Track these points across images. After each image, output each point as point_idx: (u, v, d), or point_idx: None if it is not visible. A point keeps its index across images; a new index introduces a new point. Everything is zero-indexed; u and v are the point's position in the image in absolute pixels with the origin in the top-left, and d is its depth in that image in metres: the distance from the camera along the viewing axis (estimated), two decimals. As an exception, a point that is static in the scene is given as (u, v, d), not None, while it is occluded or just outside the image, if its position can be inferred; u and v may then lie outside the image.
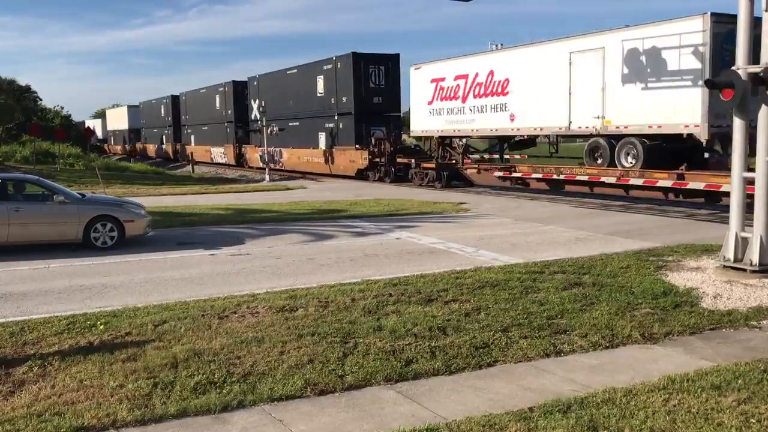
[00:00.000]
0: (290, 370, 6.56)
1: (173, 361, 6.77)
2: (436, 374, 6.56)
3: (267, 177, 36.29)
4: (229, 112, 48.84)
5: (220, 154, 51.02)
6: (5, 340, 7.53)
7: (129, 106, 77.60)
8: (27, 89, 61.42)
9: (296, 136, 39.75)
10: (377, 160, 32.16)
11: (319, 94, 37.32)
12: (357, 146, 33.56)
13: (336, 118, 35.99)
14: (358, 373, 6.47)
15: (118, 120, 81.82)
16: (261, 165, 39.92)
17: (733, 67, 10.40)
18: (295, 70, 40.08)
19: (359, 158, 33.35)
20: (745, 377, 6.21)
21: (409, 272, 11.04)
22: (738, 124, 10.36)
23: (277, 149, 40.98)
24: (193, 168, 50.56)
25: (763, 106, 10.00)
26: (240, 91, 47.43)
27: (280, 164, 41.65)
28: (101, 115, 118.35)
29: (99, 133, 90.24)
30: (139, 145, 73.53)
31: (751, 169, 10.20)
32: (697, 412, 5.47)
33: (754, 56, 10.25)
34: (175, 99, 61.52)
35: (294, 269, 11.70)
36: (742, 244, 10.38)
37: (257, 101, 41.93)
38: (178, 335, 7.63)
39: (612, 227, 16.22)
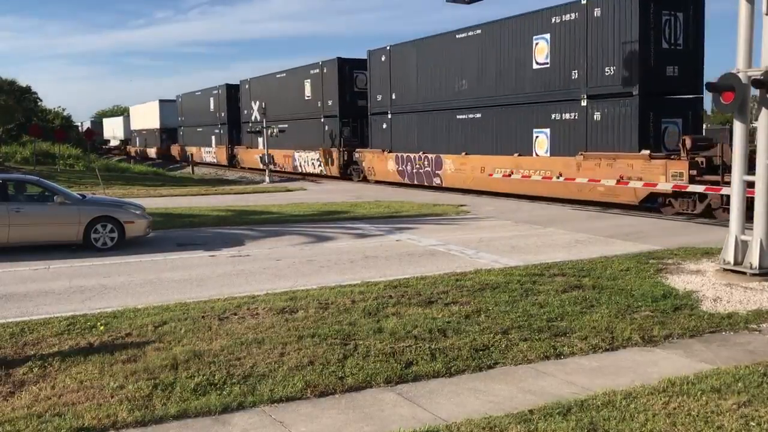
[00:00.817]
0: (290, 371, 6.56)
1: (173, 362, 6.77)
2: (436, 376, 6.56)
3: (267, 178, 36.28)
4: (330, 102, 34.59)
5: (311, 161, 37.05)
6: (5, 341, 7.53)
7: (162, 101, 63.64)
8: (27, 90, 61.29)
9: (478, 135, 25.42)
10: (713, 178, 17.23)
11: (537, 66, 22.70)
12: (649, 153, 19.05)
13: (584, 103, 21.10)
14: (359, 375, 6.48)
15: (147, 117, 67.97)
16: (400, 180, 29.64)
17: (733, 70, 10.42)
18: (478, 31, 25.28)
19: (655, 174, 18.62)
20: (745, 380, 6.21)
21: (409, 274, 11.04)
22: (738, 127, 10.38)
23: (430, 156, 27.76)
24: (193, 169, 50.60)
25: (763, 110, 10.02)
26: (347, 72, 33.92)
27: (437, 180, 27.59)
28: (105, 114, 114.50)
29: (120, 133, 79.67)
30: (176, 148, 60.13)
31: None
32: (697, 415, 5.48)
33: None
34: (232, 89, 47.49)
35: (294, 271, 11.71)
36: (742, 247, 10.40)
37: (390, 85, 29.90)
38: (179, 336, 7.64)
39: (611, 230, 16.23)
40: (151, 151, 67.09)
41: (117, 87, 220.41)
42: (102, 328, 7.94)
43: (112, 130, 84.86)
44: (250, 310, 8.69)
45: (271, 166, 38.28)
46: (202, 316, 8.42)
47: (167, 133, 62.39)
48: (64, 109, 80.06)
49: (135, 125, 73.53)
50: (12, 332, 7.82)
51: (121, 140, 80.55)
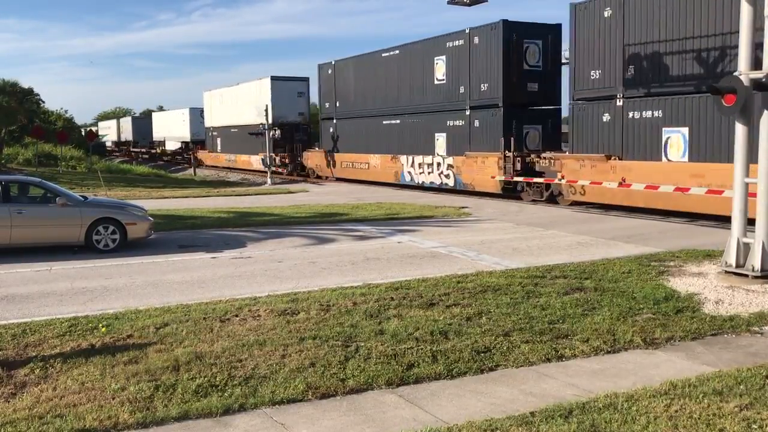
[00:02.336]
0: (292, 373, 6.56)
1: (175, 363, 6.77)
2: (437, 378, 6.56)
3: (269, 180, 36.25)
4: None
5: None
6: (7, 342, 7.54)
7: (276, 78, 40.20)
8: (30, 92, 61.19)
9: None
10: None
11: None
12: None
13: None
14: (360, 377, 6.48)
15: (242, 107, 43.63)
16: None
17: (735, 73, 10.42)
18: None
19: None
20: (747, 383, 6.21)
21: (410, 276, 11.04)
22: (740, 130, 10.37)
23: None
24: (194, 171, 50.61)
25: (765, 112, 10.02)
26: None
27: None
28: (107, 116, 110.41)
29: (186, 133, 57.04)
30: (317, 156, 36.98)
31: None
32: (699, 418, 5.47)
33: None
34: (515, 31, 24.29)
35: (295, 272, 11.71)
36: (744, 249, 10.39)
37: None
38: (180, 338, 7.64)
39: (613, 232, 16.22)
40: (255, 161, 42.29)
41: (119, 89, 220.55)
42: (103, 329, 7.95)
43: (168, 128, 62.83)
44: (251, 312, 8.70)
45: (273, 168, 38.21)
46: (204, 318, 8.42)
47: (290, 131, 40.17)
48: (66, 111, 78.80)
49: (214, 120, 49.84)
50: (14, 333, 7.83)
51: (184, 142, 58.46)
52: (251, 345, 7.34)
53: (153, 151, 67.40)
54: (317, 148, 38.57)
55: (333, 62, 35.31)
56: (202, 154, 53.00)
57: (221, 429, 5.52)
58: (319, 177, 37.08)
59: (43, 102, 64.90)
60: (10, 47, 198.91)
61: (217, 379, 6.41)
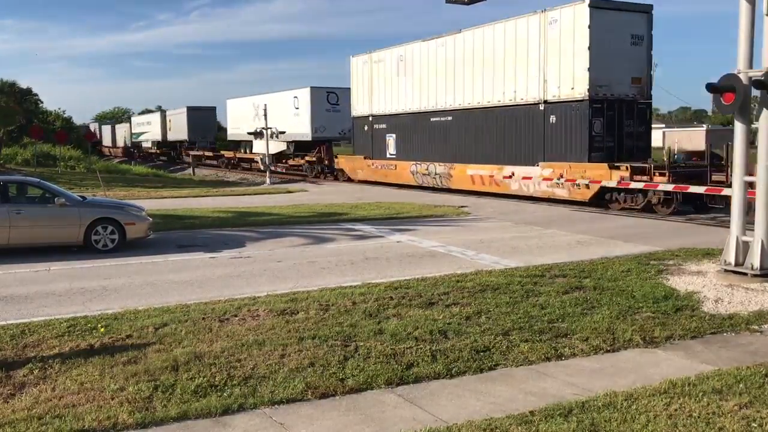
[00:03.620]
0: (291, 373, 6.55)
1: (174, 364, 6.76)
2: (437, 378, 6.56)
3: (268, 180, 36.22)
4: None
5: None
6: (6, 343, 7.52)
7: (595, 6, 19.65)
8: (28, 92, 61.02)
9: None
10: None
11: None
12: None
13: None
14: (359, 377, 6.47)
15: (460, 77, 25.07)
16: None
17: (734, 71, 10.42)
18: None
19: None
20: (746, 381, 6.20)
21: (409, 275, 11.03)
22: (739, 128, 10.37)
23: None
24: (193, 170, 50.58)
25: (764, 110, 10.01)
26: None
27: None
28: (105, 117, 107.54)
29: (304, 128, 37.59)
30: None
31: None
32: (699, 416, 5.47)
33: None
34: None
35: (295, 272, 11.70)
36: (743, 248, 10.39)
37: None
38: (179, 338, 7.63)
39: (613, 231, 16.22)
40: (530, 177, 22.60)
41: (118, 89, 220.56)
42: (102, 330, 7.94)
43: (250, 120, 41.75)
44: (250, 312, 8.69)
45: (272, 167, 38.14)
46: (203, 318, 8.41)
47: (617, 114, 21.14)
48: (64, 111, 77.79)
49: (381, 104, 30.60)
50: (12, 334, 7.81)
51: (293, 142, 39.37)
52: (250, 345, 7.33)
53: (226, 155, 46.05)
54: None
55: None
56: (343, 161, 33.66)
57: (220, 429, 5.51)
58: None
59: (42, 102, 64.83)
60: (9, 47, 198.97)
61: (216, 379, 6.40)
